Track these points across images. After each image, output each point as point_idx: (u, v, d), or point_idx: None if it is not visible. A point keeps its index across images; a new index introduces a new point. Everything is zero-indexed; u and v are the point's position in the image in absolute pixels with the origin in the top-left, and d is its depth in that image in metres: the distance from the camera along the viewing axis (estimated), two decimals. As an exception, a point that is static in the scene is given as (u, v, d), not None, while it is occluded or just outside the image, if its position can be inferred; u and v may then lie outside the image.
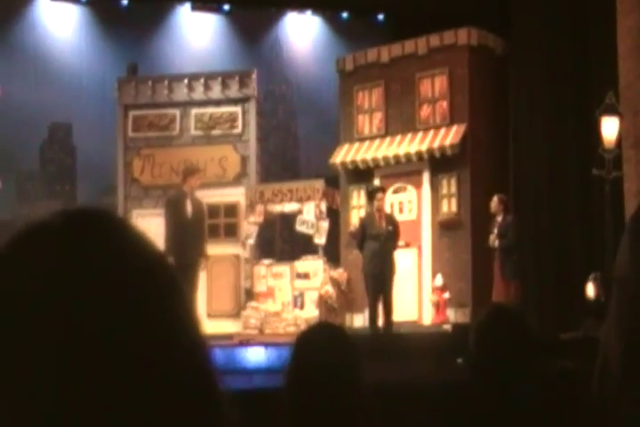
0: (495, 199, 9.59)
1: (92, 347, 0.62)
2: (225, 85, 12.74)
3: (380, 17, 14.06)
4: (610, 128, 9.86)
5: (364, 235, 9.17)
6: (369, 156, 11.31)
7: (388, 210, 10.47)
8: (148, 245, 0.69)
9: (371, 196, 9.31)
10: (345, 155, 11.53)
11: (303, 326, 10.06)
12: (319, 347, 2.16)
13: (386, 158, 11.18)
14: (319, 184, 11.41)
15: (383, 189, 9.77)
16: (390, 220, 9.31)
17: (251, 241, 11.45)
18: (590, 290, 9.18)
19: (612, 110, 9.60)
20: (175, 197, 9.23)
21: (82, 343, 0.62)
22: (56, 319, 0.62)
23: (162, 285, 0.68)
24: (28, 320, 0.62)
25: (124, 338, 0.63)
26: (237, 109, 12.71)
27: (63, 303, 0.62)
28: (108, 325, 0.63)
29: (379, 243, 9.00)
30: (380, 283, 8.94)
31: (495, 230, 9.44)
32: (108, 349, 0.62)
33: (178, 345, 0.65)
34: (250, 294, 11.14)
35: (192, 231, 9.00)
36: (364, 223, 9.29)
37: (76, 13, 14.55)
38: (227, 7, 14.32)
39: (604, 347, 0.65)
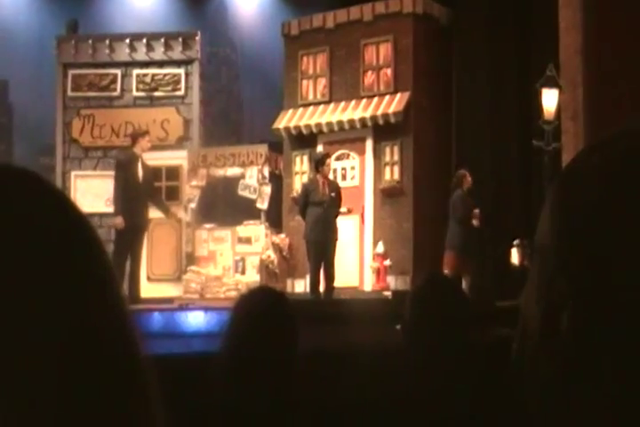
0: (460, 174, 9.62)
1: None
2: (168, 47, 12.55)
3: (327, -19, 13.93)
4: (550, 100, 10.02)
5: (306, 201, 9.17)
6: (312, 121, 11.30)
7: (330, 177, 10.51)
8: (67, 204, 0.67)
9: (318, 162, 9.30)
10: (289, 120, 11.50)
11: (243, 291, 10.10)
12: (257, 311, 2.17)
13: (329, 124, 11.19)
14: (262, 149, 11.38)
15: (329, 156, 9.76)
16: (333, 186, 9.33)
17: (192, 205, 11.40)
18: (514, 257, 9.36)
19: (552, 83, 9.75)
20: (127, 159, 9.18)
21: None
22: None
23: (81, 244, 0.65)
24: None
25: (38, 298, 0.62)
26: (180, 71, 12.56)
27: None
28: (17, 285, 0.61)
29: (322, 209, 9.02)
30: (322, 249, 8.98)
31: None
32: (21, 313, 0.61)
33: (97, 308, 0.64)
34: (191, 259, 11.11)
35: (143, 194, 9.04)
36: (307, 189, 9.29)
37: (13, -33, 14.13)
38: (171, -34, 14.04)
39: (524, 314, 0.70)
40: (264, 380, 2.12)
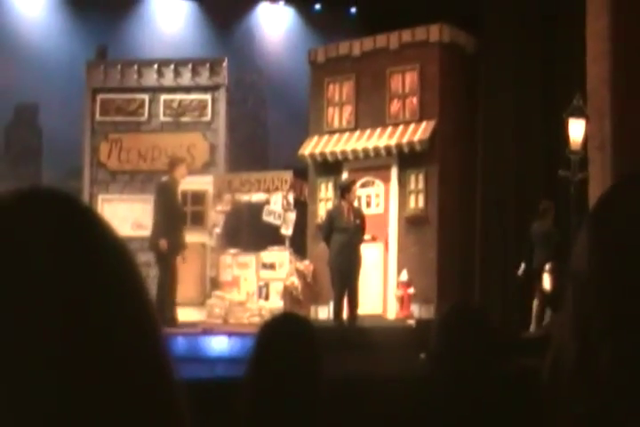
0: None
1: (47, 335, 0.61)
2: (195, 72, 12.68)
3: (353, 10, 14.07)
4: (576, 130, 9.99)
5: (331, 227, 9.18)
6: (338, 149, 11.35)
7: (355, 204, 10.53)
8: (106, 228, 0.67)
9: (344, 189, 9.32)
10: (314, 147, 11.55)
11: (267, 317, 10.08)
12: (282, 337, 2.17)
13: (355, 152, 11.22)
14: (287, 175, 11.43)
15: (355, 183, 9.76)
16: (358, 213, 9.33)
17: (217, 230, 11.45)
18: (547, 282, 9.24)
19: (578, 112, 9.73)
20: (169, 184, 9.37)
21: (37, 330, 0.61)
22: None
23: (121, 268, 0.66)
24: None
25: (80, 322, 0.62)
26: (207, 97, 12.67)
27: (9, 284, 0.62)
28: (58, 308, 0.62)
29: (346, 236, 9.02)
30: (346, 276, 8.97)
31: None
32: (64, 337, 0.61)
33: (134, 333, 0.64)
34: (215, 283, 11.14)
35: (180, 219, 9.21)
36: (332, 216, 9.29)
37: (45, -7, 14.36)
38: (200, -7, 14.24)
39: (557, 344, 0.70)
40: (289, 406, 2.11)
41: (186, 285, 11.30)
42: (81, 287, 0.63)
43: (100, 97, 12.88)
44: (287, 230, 11.01)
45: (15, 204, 0.65)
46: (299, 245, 11.26)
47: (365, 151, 11.13)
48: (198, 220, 11.75)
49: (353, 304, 8.96)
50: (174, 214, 9.14)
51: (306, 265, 10.91)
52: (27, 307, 0.61)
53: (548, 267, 9.36)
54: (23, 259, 0.62)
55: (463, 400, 2.28)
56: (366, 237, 9.59)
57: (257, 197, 11.33)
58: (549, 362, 0.70)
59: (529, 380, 2.70)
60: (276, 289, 10.71)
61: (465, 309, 2.56)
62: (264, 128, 15.15)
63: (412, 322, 9.32)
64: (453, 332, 2.34)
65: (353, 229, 9.09)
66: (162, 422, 0.65)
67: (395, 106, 11.30)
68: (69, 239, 0.64)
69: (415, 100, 11.16)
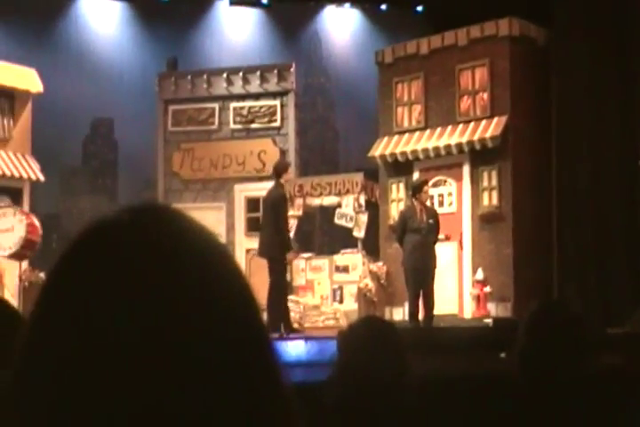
0: None
1: (168, 342, 0.63)
2: (264, 79, 12.75)
3: (419, 8, 13.94)
4: (655, 120, 9.67)
5: (404, 228, 9.11)
6: (408, 148, 11.24)
7: (427, 203, 10.40)
8: (212, 237, 0.70)
9: (415, 189, 9.22)
10: (384, 148, 11.47)
11: (343, 320, 10.03)
12: (367, 341, 2.16)
13: (425, 151, 11.09)
14: (358, 177, 11.37)
15: (428, 183, 9.66)
16: (431, 213, 9.23)
17: (290, 235, 11.45)
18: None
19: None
20: (284, 193, 9.24)
21: (158, 339, 0.63)
22: (133, 317, 0.63)
23: (231, 275, 0.69)
24: (103, 319, 0.63)
25: (201, 328, 0.64)
26: (276, 103, 12.72)
27: (139, 299, 0.64)
28: (184, 319, 0.64)
29: (420, 236, 8.94)
30: (421, 277, 8.87)
31: None
32: (184, 341, 0.63)
33: (247, 337, 0.66)
34: (289, 288, 11.13)
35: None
36: (405, 216, 9.22)
37: (117, 9, 14.67)
38: (265, 1, 14.33)
39: None
40: (372, 410, 2.10)
41: (260, 290, 11.34)
42: (209, 291, 0.66)
43: (171, 108, 13.07)
44: (359, 233, 10.95)
45: (135, 220, 0.68)
46: (371, 247, 11.20)
47: (436, 150, 11.00)
48: (271, 225, 11.75)
49: (428, 305, 8.85)
50: (286, 222, 9.12)
51: (379, 266, 10.82)
52: (179, 308, 0.64)
53: None
54: (156, 277, 0.64)
55: (552, 398, 2.26)
56: (440, 236, 9.46)
57: (328, 200, 11.31)
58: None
59: (616, 378, 2.60)
60: (350, 292, 10.65)
61: (554, 306, 2.55)
62: (333, 131, 15.15)
63: (489, 321, 9.13)
64: (543, 330, 2.33)
65: (426, 229, 8.99)
66: (279, 423, 0.67)
67: (465, 103, 11.13)
68: (188, 249, 0.67)
69: (486, 96, 10.97)
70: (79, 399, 0.62)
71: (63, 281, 0.66)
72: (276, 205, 8.89)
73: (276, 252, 8.83)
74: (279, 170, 9.14)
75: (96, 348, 0.62)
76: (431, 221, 9.06)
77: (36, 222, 9.78)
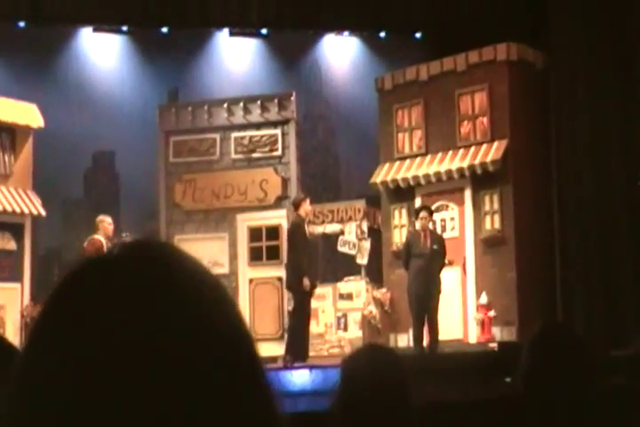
0: None
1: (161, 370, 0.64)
2: (264, 108, 12.77)
3: (418, 35, 14.00)
4: (655, 140, 9.63)
5: (409, 254, 9.09)
6: (410, 174, 11.22)
7: (433, 228, 10.37)
8: (206, 271, 0.73)
9: (414, 215, 9.27)
10: (385, 174, 11.45)
11: (347, 348, 9.93)
12: (369, 369, 2.13)
13: (427, 176, 11.07)
14: (360, 204, 11.34)
15: (427, 208, 9.66)
16: (436, 238, 9.21)
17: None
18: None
19: (656, 122, 9.39)
20: (300, 223, 9.34)
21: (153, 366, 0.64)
22: (122, 347, 0.65)
23: (225, 310, 0.71)
24: (94, 348, 0.65)
25: (194, 360, 0.65)
26: (277, 132, 12.73)
27: (128, 328, 0.65)
28: (173, 350, 0.65)
29: (422, 261, 8.92)
30: (424, 302, 8.82)
31: None
32: (176, 373, 0.64)
33: (238, 368, 0.67)
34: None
35: (312, 258, 9.36)
36: (409, 242, 9.22)
37: (117, 43, 14.77)
38: (264, 31, 14.40)
39: None
40: None
41: (264, 319, 11.25)
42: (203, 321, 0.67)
43: (172, 139, 13.09)
44: (362, 260, 10.89)
45: (129, 257, 0.70)
46: (375, 274, 11.14)
47: (437, 175, 10.97)
48: (273, 254, 11.73)
49: (433, 330, 8.79)
50: (307, 252, 9.17)
51: (383, 293, 10.75)
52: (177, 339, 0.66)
53: None
54: (151, 309, 0.66)
55: (558, 421, 2.24)
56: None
57: (331, 227, 11.27)
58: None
59: (621, 398, 2.56)
60: (354, 319, 10.57)
61: (557, 328, 2.54)
62: (335, 158, 15.15)
63: (493, 345, 9.04)
64: (546, 352, 2.31)
65: (430, 255, 8.95)
66: None
67: (465, 127, 11.13)
68: (178, 281, 0.69)
69: (486, 120, 10.97)
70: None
71: (56, 311, 0.68)
72: (290, 236, 9.00)
73: (295, 282, 8.85)
74: (296, 203, 9.27)
75: (86, 377, 0.64)
76: (435, 246, 9.03)
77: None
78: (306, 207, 9.29)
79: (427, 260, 8.90)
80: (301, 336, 8.97)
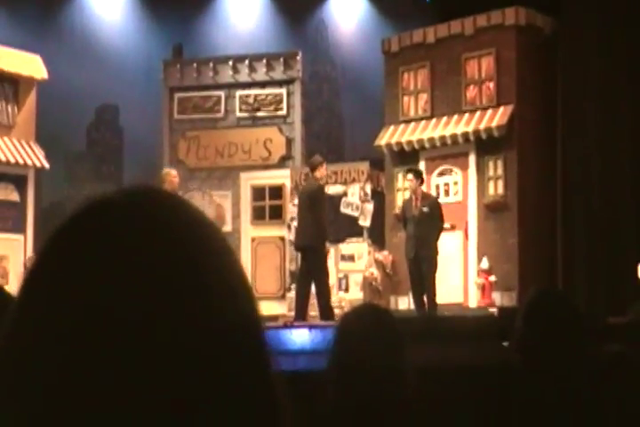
0: None
1: (160, 324, 0.62)
2: (270, 67, 12.71)
3: (427, -3, 13.89)
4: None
5: (405, 218, 9.10)
6: (414, 137, 11.22)
7: (433, 192, 10.38)
8: (209, 222, 0.70)
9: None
10: (390, 136, 11.45)
11: (347, 309, 10.04)
12: (363, 329, 2.14)
13: (431, 140, 11.08)
14: (364, 166, 11.36)
15: (414, 171, 9.44)
16: (427, 201, 9.05)
17: (295, 223, 11.45)
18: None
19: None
20: (322, 186, 9.24)
21: (146, 320, 0.62)
22: (123, 294, 0.62)
23: (225, 255, 0.68)
24: (94, 296, 0.62)
25: (189, 312, 0.63)
26: (282, 91, 12.69)
27: (129, 275, 0.63)
28: (176, 298, 0.63)
29: (412, 225, 8.88)
30: (415, 265, 8.81)
31: None
32: (173, 325, 0.63)
33: (233, 319, 0.65)
34: (294, 276, 11.15)
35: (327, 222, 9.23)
36: (404, 206, 9.22)
37: (122, -4, 14.62)
38: (272, -12, 14.28)
39: None
40: (370, 398, 2.08)
41: (266, 278, 11.36)
42: (202, 276, 0.65)
43: (177, 95, 13.05)
44: (365, 222, 10.95)
45: (129, 201, 0.67)
46: (377, 236, 11.20)
47: (442, 139, 10.98)
48: (277, 214, 11.79)
49: (428, 293, 8.80)
50: (325, 215, 9.12)
51: (385, 256, 10.82)
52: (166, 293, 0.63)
53: None
54: (150, 257, 0.64)
55: (552, 386, 2.26)
56: (445, 225, 9.37)
57: (334, 189, 11.30)
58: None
59: (617, 365, 2.61)
60: (355, 280, 10.66)
61: (551, 294, 2.54)
62: (339, 120, 15.13)
63: (493, 310, 9.13)
64: (540, 318, 2.32)
65: (419, 218, 8.85)
66: (265, 415, 0.66)
67: (471, 92, 11.10)
68: (185, 231, 0.67)
69: (492, 85, 10.94)
70: (63, 379, 0.61)
71: (53, 256, 0.66)
72: (312, 197, 8.95)
73: (317, 242, 8.86)
74: (312, 165, 9.26)
75: (87, 325, 0.62)
76: (425, 209, 8.86)
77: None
78: (322, 171, 9.28)
79: (415, 223, 8.84)
80: (330, 296, 9.07)
